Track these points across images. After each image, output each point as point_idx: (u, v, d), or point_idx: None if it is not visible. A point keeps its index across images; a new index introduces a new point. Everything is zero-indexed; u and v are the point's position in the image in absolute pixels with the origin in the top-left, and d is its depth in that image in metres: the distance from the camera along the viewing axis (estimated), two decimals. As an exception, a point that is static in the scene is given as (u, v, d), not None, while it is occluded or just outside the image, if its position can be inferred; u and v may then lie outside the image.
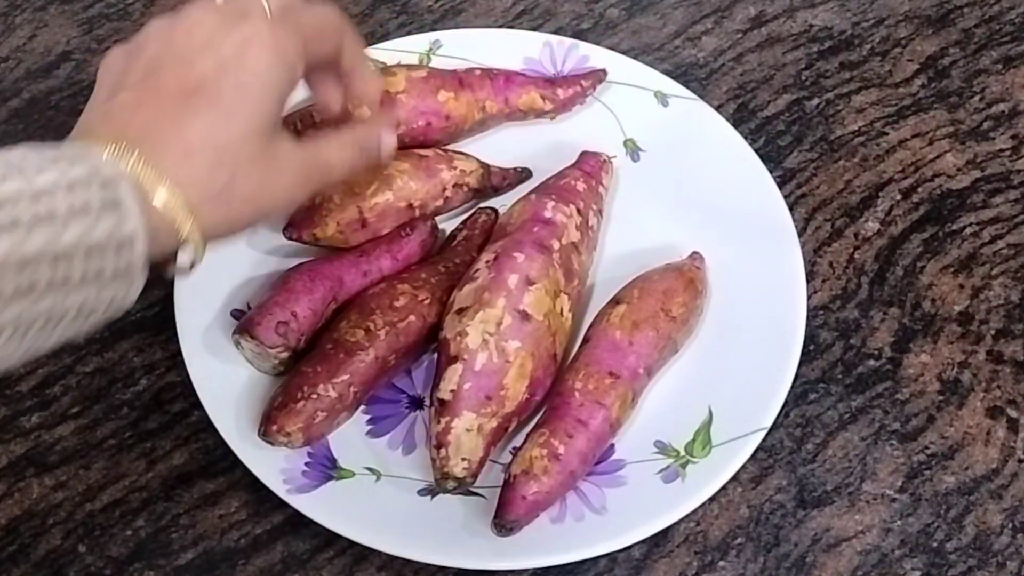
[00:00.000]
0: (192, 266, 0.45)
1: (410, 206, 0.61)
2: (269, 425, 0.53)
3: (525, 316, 0.54)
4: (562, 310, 0.56)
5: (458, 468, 0.52)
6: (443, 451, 0.52)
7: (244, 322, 0.55)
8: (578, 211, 0.59)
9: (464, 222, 0.62)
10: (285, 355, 0.55)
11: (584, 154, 0.63)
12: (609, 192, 0.64)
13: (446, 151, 0.63)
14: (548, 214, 0.58)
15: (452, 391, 0.53)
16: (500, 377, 0.53)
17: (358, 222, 0.60)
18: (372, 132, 0.54)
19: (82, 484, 0.56)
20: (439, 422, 0.53)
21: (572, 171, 0.62)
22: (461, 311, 0.55)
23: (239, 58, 0.45)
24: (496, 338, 0.53)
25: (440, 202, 0.62)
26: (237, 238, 0.48)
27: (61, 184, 0.39)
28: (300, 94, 0.66)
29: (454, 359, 0.53)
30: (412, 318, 0.56)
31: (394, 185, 0.60)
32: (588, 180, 0.61)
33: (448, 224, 0.63)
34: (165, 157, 0.43)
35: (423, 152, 0.62)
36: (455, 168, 0.62)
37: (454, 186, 0.62)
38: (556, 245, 0.57)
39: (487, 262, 0.56)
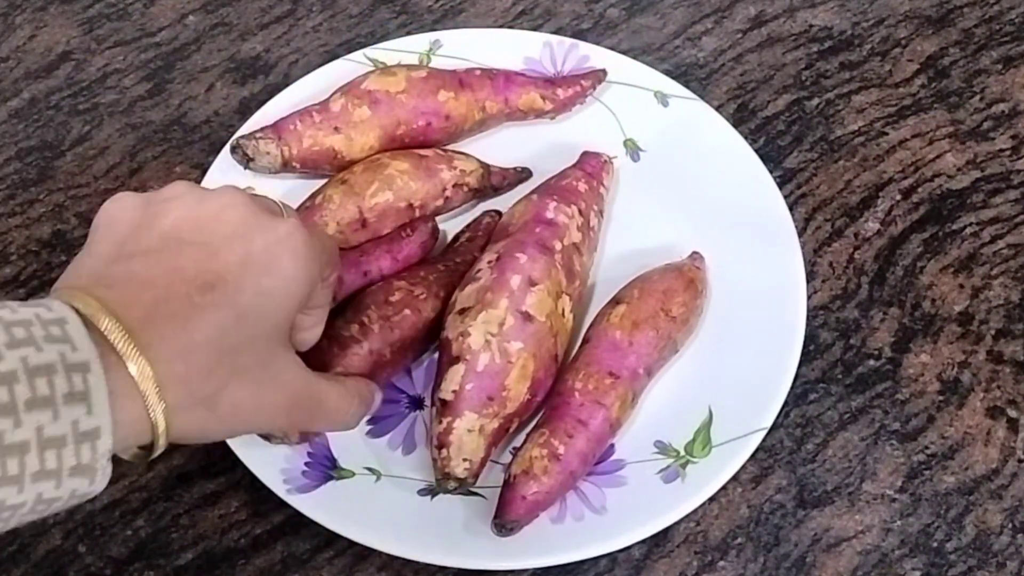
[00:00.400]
0: (149, 458, 0.42)
1: (410, 206, 0.61)
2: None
3: (527, 317, 0.54)
4: (564, 311, 0.56)
5: (459, 468, 0.52)
6: (444, 451, 0.52)
7: None
8: (580, 212, 0.59)
9: (468, 225, 0.62)
10: None
11: (585, 154, 0.64)
12: (609, 192, 0.64)
13: (446, 151, 0.63)
14: (550, 215, 0.58)
15: (454, 391, 0.53)
16: (502, 378, 0.53)
17: (358, 222, 0.60)
18: (369, 387, 0.52)
19: (82, 484, 0.56)
20: (441, 422, 0.53)
21: (573, 171, 0.62)
22: (463, 311, 0.55)
23: (267, 258, 0.42)
24: (499, 339, 0.53)
25: (440, 202, 0.62)
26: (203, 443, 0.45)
27: (25, 367, 0.35)
28: (302, 94, 0.66)
29: (456, 359, 0.53)
30: (407, 312, 0.56)
31: (394, 185, 0.60)
32: (589, 181, 0.61)
33: (448, 224, 0.63)
34: (162, 350, 0.39)
35: (423, 152, 0.62)
36: (455, 168, 0.62)
37: (454, 186, 0.62)
38: (558, 246, 0.57)
39: (489, 262, 0.56)
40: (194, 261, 0.41)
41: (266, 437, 0.53)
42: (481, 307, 0.54)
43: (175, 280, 0.41)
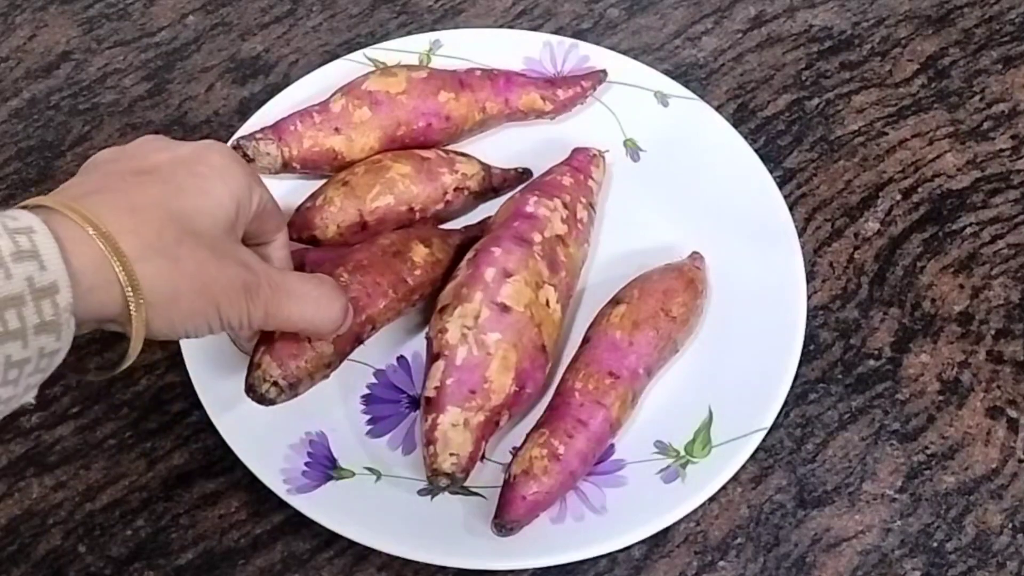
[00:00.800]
0: (124, 358, 0.43)
1: (411, 209, 0.61)
2: (252, 371, 0.52)
3: (504, 308, 0.54)
4: (548, 301, 0.56)
5: (447, 464, 0.52)
6: (432, 448, 0.52)
7: None
8: (564, 204, 0.59)
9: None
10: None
11: (575, 150, 0.64)
12: (608, 192, 0.64)
13: (448, 152, 0.63)
14: (530, 208, 0.58)
15: (436, 388, 0.53)
16: (482, 370, 0.53)
17: (358, 225, 0.60)
18: (340, 296, 0.51)
19: (82, 484, 0.56)
20: (427, 420, 0.53)
21: (559, 167, 0.62)
22: (442, 309, 0.55)
23: (195, 156, 0.46)
24: (475, 331, 0.53)
25: (440, 206, 0.62)
26: (186, 333, 0.44)
27: None
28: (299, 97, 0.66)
29: (437, 356, 0.53)
30: (387, 272, 0.56)
31: (395, 189, 0.60)
32: (575, 174, 0.61)
33: (448, 225, 0.63)
34: (105, 208, 0.41)
35: (425, 154, 0.62)
36: (457, 172, 0.62)
37: (455, 189, 0.62)
38: (537, 238, 0.57)
39: (467, 260, 0.56)
40: (131, 161, 0.45)
41: (252, 388, 0.52)
42: (457, 303, 0.54)
43: (113, 172, 0.44)
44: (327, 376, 0.53)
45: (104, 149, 0.48)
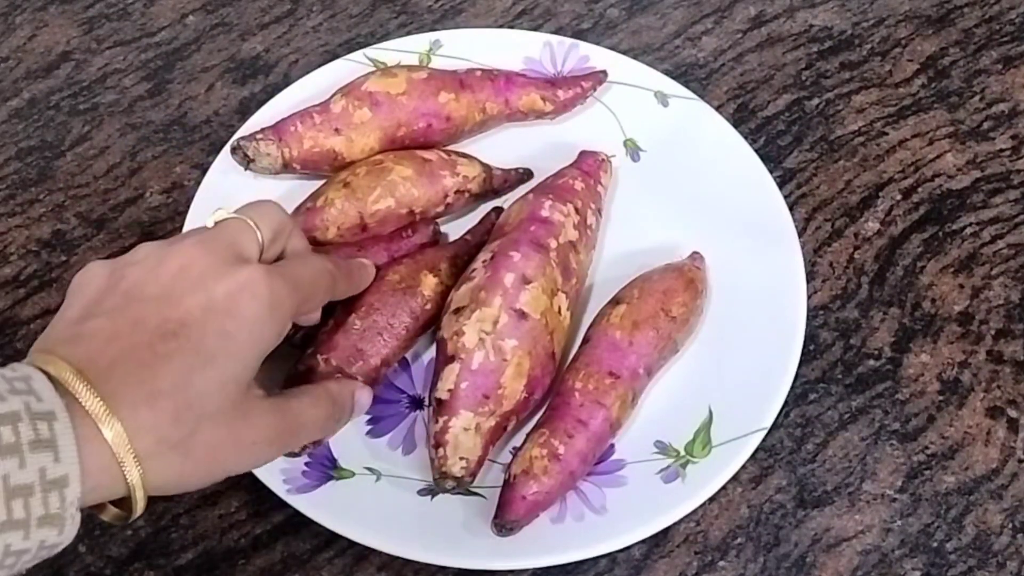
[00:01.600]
0: (130, 519, 0.42)
1: (411, 212, 0.61)
2: None
3: (522, 315, 0.54)
4: (560, 309, 0.56)
5: (456, 467, 0.52)
6: (441, 450, 0.52)
7: None
8: (576, 210, 0.59)
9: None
10: None
11: (582, 153, 0.64)
12: (609, 192, 0.64)
13: (449, 154, 0.63)
14: (545, 213, 0.58)
15: (449, 390, 0.53)
16: (497, 376, 0.53)
17: (359, 227, 0.60)
18: (346, 388, 0.52)
19: (82, 484, 0.56)
20: (437, 421, 0.53)
21: (570, 170, 0.62)
22: (458, 311, 0.55)
23: (229, 303, 0.43)
24: (493, 337, 0.53)
25: (441, 208, 0.62)
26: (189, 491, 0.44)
27: None
28: (294, 99, 0.66)
29: (451, 358, 0.53)
30: (398, 311, 0.56)
31: (397, 192, 0.60)
32: (586, 179, 0.61)
33: (449, 226, 0.64)
34: (126, 398, 0.40)
35: (426, 155, 0.62)
36: (458, 174, 0.62)
37: (456, 192, 0.62)
38: (553, 244, 0.57)
39: (484, 262, 0.56)
40: (156, 312, 0.42)
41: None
42: (475, 306, 0.54)
43: (137, 331, 0.42)
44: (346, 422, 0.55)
45: (127, 259, 0.45)
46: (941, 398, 0.59)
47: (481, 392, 0.53)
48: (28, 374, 0.39)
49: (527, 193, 0.61)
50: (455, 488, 0.53)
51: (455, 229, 0.63)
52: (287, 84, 0.68)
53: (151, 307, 0.43)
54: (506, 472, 0.53)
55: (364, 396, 0.53)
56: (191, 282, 0.43)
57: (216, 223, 0.48)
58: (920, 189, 0.67)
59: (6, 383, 0.38)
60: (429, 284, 0.57)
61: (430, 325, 0.57)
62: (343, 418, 0.51)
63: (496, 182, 0.64)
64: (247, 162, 0.62)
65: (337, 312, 0.56)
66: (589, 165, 0.63)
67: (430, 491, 0.54)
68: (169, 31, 0.74)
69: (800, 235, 0.62)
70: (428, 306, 0.57)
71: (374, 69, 0.67)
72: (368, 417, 0.57)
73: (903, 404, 0.59)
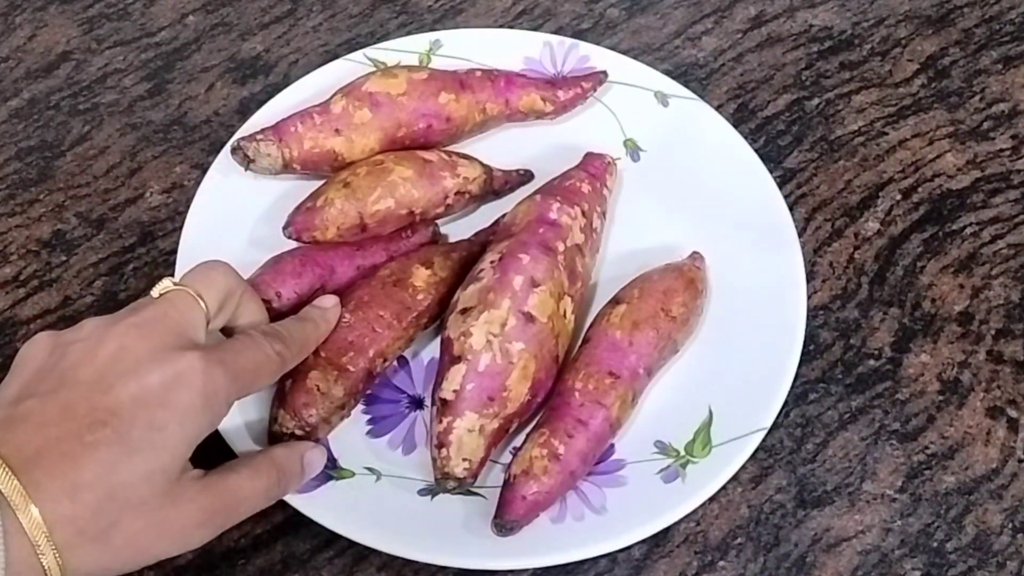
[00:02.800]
0: None
1: (411, 212, 0.61)
2: (270, 424, 0.54)
3: (529, 318, 0.54)
4: (565, 312, 0.56)
5: (459, 468, 0.52)
6: (444, 451, 0.52)
7: None
8: (583, 213, 0.59)
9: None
10: None
11: (588, 155, 0.63)
12: (612, 193, 0.64)
13: (449, 155, 0.63)
14: (553, 215, 0.58)
15: (455, 391, 0.53)
16: (503, 378, 0.53)
17: (358, 227, 0.60)
18: (292, 453, 0.51)
19: (82, 484, 0.56)
20: (441, 422, 0.53)
21: (577, 172, 0.62)
22: (465, 311, 0.55)
23: (162, 393, 0.43)
24: (500, 339, 0.53)
25: (441, 209, 0.62)
26: None
27: None
28: (293, 98, 0.66)
29: (457, 359, 0.53)
30: (389, 303, 0.56)
31: (397, 193, 0.60)
32: (593, 182, 0.61)
33: (449, 227, 0.64)
34: (48, 489, 0.41)
35: (427, 156, 0.62)
36: (458, 175, 0.62)
37: (456, 193, 0.62)
38: (561, 247, 0.57)
39: (492, 262, 0.56)
40: (86, 399, 0.43)
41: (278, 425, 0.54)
42: (483, 307, 0.54)
43: (67, 418, 0.42)
44: (345, 417, 0.56)
45: (71, 336, 0.45)
46: (941, 398, 0.59)
47: (486, 394, 0.53)
48: None
49: (534, 194, 0.61)
50: (456, 488, 0.53)
51: (455, 230, 0.63)
52: (287, 84, 0.68)
53: (83, 393, 0.43)
54: (506, 472, 0.53)
55: (316, 457, 0.52)
56: (125, 368, 0.44)
57: (160, 295, 0.47)
58: (920, 189, 0.67)
59: None
60: (421, 276, 0.57)
61: (427, 317, 0.57)
62: (292, 484, 0.51)
63: (497, 183, 0.64)
64: (247, 162, 0.62)
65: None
66: (596, 168, 0.62)
67: (430, 491, 0.54)
68: (169, 31, 0.74)
69: (800, 235, 0.63)
70: (421, 296, 0.57)
71: (374, 69, 0.67)
72: (368, 417, 0.57)
73: (903, 404, 0.59)
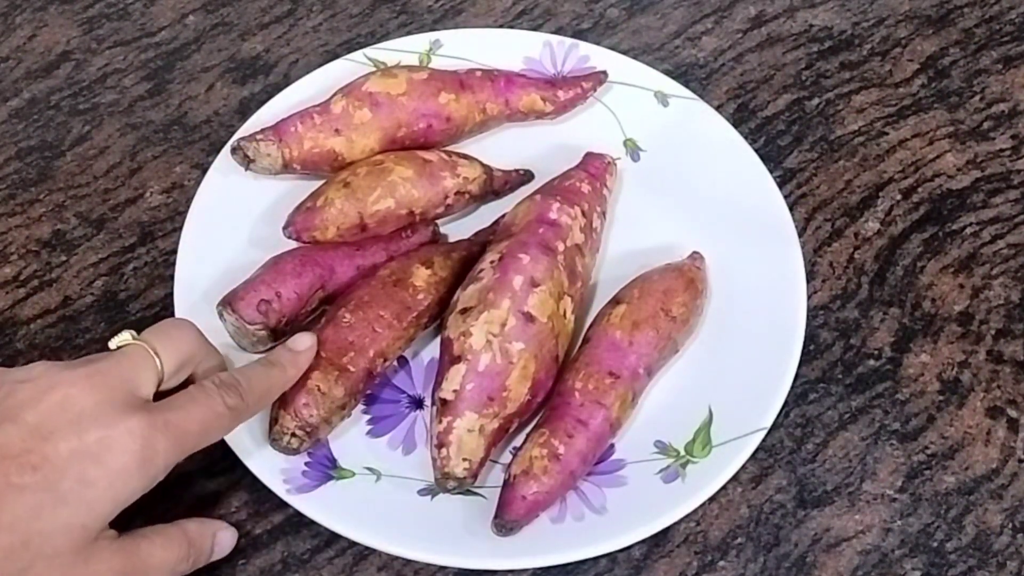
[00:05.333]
0: None
1: (411, 213, 0.61)
2: (271, 426, 0.54)
3: (529, 318, 0.54)
4: (565, 312, 0.56)
5: (459, 468, 0.52)
6: (444, 451, 0.52)
7: (229, 295, 0.56)
8: (582, 213, 0.59)
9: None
10: (263, 333, 0.56)
11: (588, 155, 0.63)
12: (611, 193, 0.64)
13: (449, 155, 0.63)
14: (553, 215, 0.58)
15: (455, 391, 0.53)
16: (503, 378, 0.53)
17: (358, 227, 0.60)
18: (205, 530, 0.51)
19: (82, 484, 0.56)
20: (441, 422, 0.53)
21: (577, 172, 0.62)
22: (465, 311, 0.55)
23: (98, 450, 0.43)
24: (500, 339, 0.53)
25: (441, 209, 0.62)
26: None
27: None
28: (291, 99, 0.66)
29: (457, 359, 0.53)
30: (389, 303, 0.56)
31: (397, 193, 0.60)
32: (593, 182, 0.61)
33: (449, 227, 0.64)
34: None
35: (427, 156, 0.62)
36: (459, 176, 0.62)
37: (456, 193, 0.62)
38: (561, 247, 0.57)
39: (492, 262, 0.56)
40: (23, 441, 0.43)
41: (274, 438, 0.54)
42: (483, 307, 0.54)
43: (1, 456, 0.42)
44: (346, 417, 0.56)
45: (23, 374, 0.45)
46: (941, 398, 0.59)
47: (486, 394, 0.53)
48: None
49: (534, 194, 0.61)
50: (456, 488, 0.53)
51: (455, 230, 0.63)
52: (287, 84, 0.68)
53: (21, 434, 0.43)
54: (506, 472, 0.53)
55: (227, 538, 0.52)
56: (67, 419, 0.43)
57: (117, 347, 0.47)
58: (920, 189, 0.67)
59: None
60: (421, 276, 0.57)
61: (427, 317, 0.57)
62: (200, 560, 0.50)
63: (497, 183, 0.64)
64: (247, 162, 0.62)
65: (329, 308, 0.57)
66: (596, 168, 0.62)
67: (430, 491, 0.54)
68: (169, 31, 0.74)
69: (800, 235, 0.63)
70: (421, 296, 0.57)
71: (374, 69, 0.67)
72: (368, 417, 0.57)
73: (903, 404, 0.59)
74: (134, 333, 0.48)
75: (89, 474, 0.43)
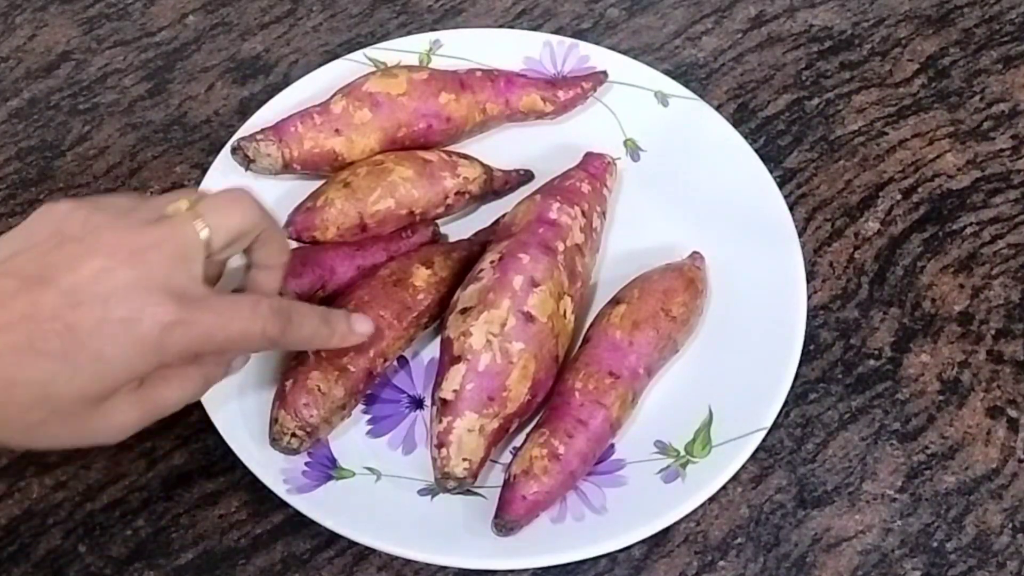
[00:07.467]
0: None
1: (411, 213, 0.61)
2: (271, 426, 0.54)
3: (529, 318, 0.54)
4: (565, 312, 0.56)
5: (459, 468, 0.52)
6: (444, 451, 0.52)
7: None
8: (582, 213, 0.59)
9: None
10: None
11: (588, 155, 0.63)
12: (611, 193, 0.64)
13: (450, 155, 0.63)
14: (553, 215, 0.58)
15: (455, 391, 0.53)
16: (503, 378, 0.53)
17: (358, 227, 0.60)
18: (221, 364, 0.50)
19: (82, 484, 0.56)
20: (441, 421, 0.53)
21: (577, 172, 0.62)
22: (465, 311, 0.55)
23: (118, 333, 0.43)
24: (500, 339, 0.53)
25: (441, 209, 0.62)
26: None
27: None
28: (288, 105, 0.66)
29: (457, 359, 0.53)
30: (389, 303, 0.56)
31: (397, 193, 0.60)
32: (593, 182, 0.61)
33: (449, 227, 0.64)
34: None
35: (427, 156, 0.62)
36: (459, 176, 0.62)
37: (456, 194, 0.62)
38: (561, 247, 0.57)
39: (492, 262, 0.56)
40: (54, 305, 0.43)
41: (274, 439, 0.54)
42: (483, 307, 0.54)
43: (30, 316, 0.42)
44: (346, 417, 0.55)
45: (81, 221, 0.45)
46: (941, 398, 0.59)
47: (486, 394, 0.53)
48: None
49: (534, 194, 0.61)
50: (456, 488, 0.53)
51: (455, 230, 0.63)
52: (287, 84, 0.68)
53: (55, 298, 0.43)
54: (506, 472, 0.53)
55: (240, 363, 0.51)
56: (99, 292, 0.43)
57: (170, 215, 0.46)
58: (920, 189, 0.67)
59: None
60: (421, 276, 0.57)
61: (427, 317, 0.57)
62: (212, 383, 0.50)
63: (497, 183, 0.64)
64: (247, 162, 0.62)
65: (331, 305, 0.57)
66: (596, 168, 0.62)
67: (430, 491, 0.54)
68: (169, 31, 0.74)
69: (800, 235, 0.62)
70: (421, 296, 0.57)
71: (374, 69, 0.67)
72: (368, 417, 0.57)
73: (903, 404, 0.59)
74: (191, 200, 0.47)
75: (106, 352, 0.43)
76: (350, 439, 0.56)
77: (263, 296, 0.48)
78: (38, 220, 0.46)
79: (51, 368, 0.42)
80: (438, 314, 0.58)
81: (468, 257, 0.60)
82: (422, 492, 0.54)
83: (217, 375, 0.50)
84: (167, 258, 0.45)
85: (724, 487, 0.54)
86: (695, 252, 0.61)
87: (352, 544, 0.53)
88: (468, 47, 0.69)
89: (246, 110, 0.69)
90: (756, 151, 0.65)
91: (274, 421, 0.54)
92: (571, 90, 0.66)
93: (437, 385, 0.54)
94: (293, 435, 0.53)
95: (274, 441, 0.53)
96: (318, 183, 0.62)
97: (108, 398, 0.44)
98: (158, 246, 0.45)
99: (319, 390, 0.53)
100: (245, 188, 0.48)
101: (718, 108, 0.68)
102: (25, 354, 0.42)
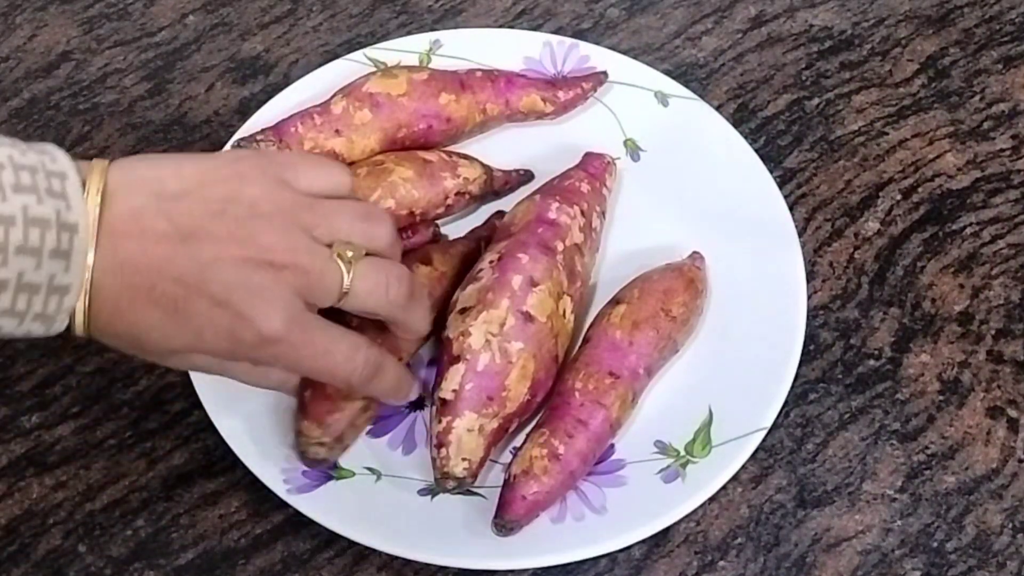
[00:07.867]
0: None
1: (411, 213, 0.61)
2: (297, 438, 0.53)
3: (528, 317, 0.54)
4: (564, 312, 0.56)
5: (458, 468, 0.52)
6: (443, 451, 0.52)
7: None
8: (582, 212, 0.59)
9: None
10: None
11: (588, 155, 0.63)
12: (611, 193, 0.64)
13: (450, 155, 0.63)
14: (552, 215, 0.58)
15: (454, 391, 0.53)
16: (502, 378, 0.53)
17: (358, 226, 0.60)
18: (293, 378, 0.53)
19: (82, 484, 0.56)
20: (440, 421, 0.53)
21: (576, 172, 0.62)
22: (464, 311, 0.55)
23: (228, 320, 0.45)
24: (499, 339, 0.53)
25: (441, 209, 0.62)
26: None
27: (25, 216, 0.40)
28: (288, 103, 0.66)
29: (456, 359, 0.53)
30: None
31: (397, 193, 0.60)
32: (592, 182, 0.61)
33: (449, 227, 0.64)
34: (117, 309, 0.44)
35: (427, 156, 0.62)
36: (459, 176, 0.62)
37: (456, 194, 0.62)
38: (560, 247, 0.57)
39: (491, 262, 0.56)
40: (185, 270, 0.44)
41: (302, 447, 0.54)
42: (482, 307, 0.54)
43: (157, 267, 0.44)
44: (371, 420, 0.55)
45: (265, 183, 0.47)
46: (941, 398, 0.59)
47: (486, 394, 0.53)
48: (64, 171, 0.42)
49: (533, 194, 0.61)
50: (456, 488, 0.53)
51: (456, 230, 0.63)
52: (287, 84, 0.68)
53: (188, 262, 0.44)
54: (506, 472, 0.53)
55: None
56: (231, 279, 0.45)
57: (332, 249, 0.47)
58: (920, 189, 0.67)
59: (45, 178, 0.41)
60: (421, 273, 0.57)
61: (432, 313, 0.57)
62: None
63: (497, 183, 0.64)
64: (247, 162, 0.62)
65: (331, 316, 0.56)
66: (595, 167, 0.62)
67: (430, 491, 0.54)
68: (169, 31, 0.74)
69: (800, 235, 0.62)
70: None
71: (374, 69, 0.67)
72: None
73: (903, 404, 0.59)
74: (357, 251, 0.48)
75: (205, 333, 0.45)
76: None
77: (364, 342, 0.50)
78: (228, 165, 0.47)
79: (150, 319, 0.44)
80: (438, 313, 0.58)
81: (467, 253, 0.59)
82: (422, 492, 0.54)
83: (284, 384, 0.52)
84: (303, 288, 0.46)
85: (724, 487, 0.54)
86: (695, 252, 0.61)
87: (352, 544, 0.53)
88: (468, 47, 0.69)
89: (246, 110, 0.69)
90: (756, 151, 0.65)
91: (299, 434, 0.53)
92: (571, 90, 0.66)
93: (436, 385, 0.54)
94: (320, 444, 0.53)
95: (301, 455, 0.53)
96: (318, 183, 0.62)
97: (189, 353, 0.47)
98: (305, 273, 0.46)
99: (339, 395, 0.53)
100: (413, 274, 0.53)
101: (718, 108, 0.68)
102: (136, 298, 0.44)
